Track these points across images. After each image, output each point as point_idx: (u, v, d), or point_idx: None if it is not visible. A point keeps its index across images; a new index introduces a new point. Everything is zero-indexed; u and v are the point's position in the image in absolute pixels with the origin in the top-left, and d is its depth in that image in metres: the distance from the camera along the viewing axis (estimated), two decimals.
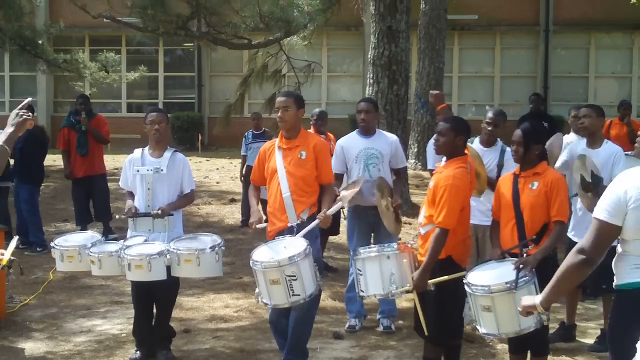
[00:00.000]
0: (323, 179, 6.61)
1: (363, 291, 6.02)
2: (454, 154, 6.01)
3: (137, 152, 7.07)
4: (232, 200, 15.67)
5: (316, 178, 6.56)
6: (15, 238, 5.39)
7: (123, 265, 6.52)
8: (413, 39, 16.94)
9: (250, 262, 6.14)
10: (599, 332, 7.35)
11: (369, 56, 12.98)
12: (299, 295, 5.97)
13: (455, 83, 27.55)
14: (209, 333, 7.74)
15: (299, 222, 6.44)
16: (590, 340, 7.36)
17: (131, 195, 7.05)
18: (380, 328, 7.77)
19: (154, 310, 7.03)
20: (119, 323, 8.05)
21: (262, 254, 6.15)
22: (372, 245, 6.42)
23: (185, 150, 22.63)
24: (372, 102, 8.19)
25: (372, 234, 7.91)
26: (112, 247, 6.70)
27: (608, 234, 3.97)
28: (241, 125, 21.16)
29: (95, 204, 12.29)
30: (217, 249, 6.60)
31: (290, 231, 6.41)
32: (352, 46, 27.83)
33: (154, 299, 6.94)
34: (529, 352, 5.99)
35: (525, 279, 5.35)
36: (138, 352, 6.92)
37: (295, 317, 6.38)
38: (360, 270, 6.01)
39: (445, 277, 5.78)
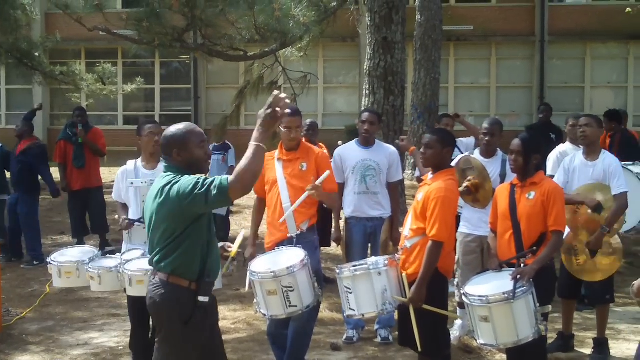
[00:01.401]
0: (327, 189, 6.62)
1: (353, 310, 5.87)
2: (442, 166, 5.97)
3: (130, 164, 7.02)
4: (229, 212, 15.64)
5: None
6: (243, 231, 5.61)
7: (122, 280, 6.47)
8: (409, 50, 16.96)
9: (248, 272, 6.12)
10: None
11: (365, 67, 12.99)
12: (295, 306, 5.92)
13: (452, 94, 27.58)
14: None
15: (298, 232, 6.46)
16: (588, 350, 7.35)
17: (124, 207, 7.01)
18: (378, 339, 7.75)
19: (151, 323, 7.00)
20: (115, 336, 8.02)
21: (260, 265, 6.12)
22: (356, 263, 6.27)
23: None
24: (377, 113, 8.25)
25: (370, 245, 7.90)
26: (111, 262, 6.65)
27: None
28: (237, 136, 21.15)
29: (92, 216, 12.28)
30: None
31: (290, 242, 6.42)
32: (348, 57, 27.87)
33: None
34: None
35: (522, 289, 5.35)
36: None
37: (295, 328, 6.39)
38: (349, 289, 5.86)
39: (439, 310, 5.74)
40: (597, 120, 7.46)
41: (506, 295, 5.31)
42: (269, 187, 6.64)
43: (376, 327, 7.84)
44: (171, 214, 4.60)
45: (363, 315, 6.01)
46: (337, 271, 6.05)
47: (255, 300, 6.15)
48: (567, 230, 6.94)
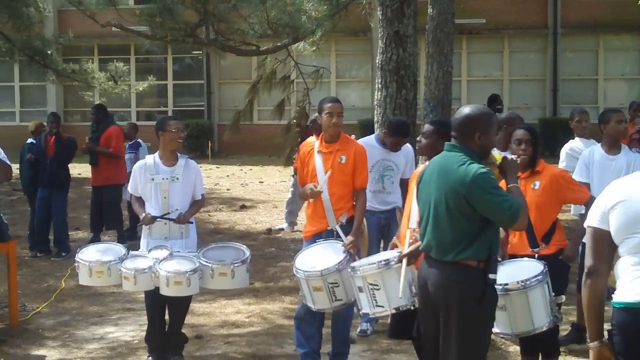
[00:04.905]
0: (357, 185, 6.66)
1: (382, 307, 5.53)
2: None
3: (149, 158, 7.03)
4: (243, 207, 15.70)
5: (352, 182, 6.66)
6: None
7: (156, 280, 6.48)
8: (421, 43, 16.94)
9: (294, 269, 6.25)
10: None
11: (377, 61, 12.98)
12: (341, 300, 6.08)
13: (464, 87, 27.56)
14: (221, 339, 7.75)
15: (338, 225, 6.54)
16: None
17: (140, 201, 7.03)
18: None
19: (167, 317, 7.05)
20: (131, 330, 8.07)
21: (305, 262, 6.25)
22: (371, 259, 5.96)
23: (195, 158, 22.69)
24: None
25: (382, 240, 7.89)
26: (146, 262, 6.59)
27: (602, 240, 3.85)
28: (251, 132, 21.22)
29: (104, 213, 12.37)
30: (248, 260, 6.73)
31: (330, 234, 6.53)
32: (361, 51, 27.88)
33: (168, 306, 6.95)
34: (540, 353, 5.98)
35: (538, 278, 5.33)
36: (150, 358, 6.93)
37: (337, 316, 6.60)
38: (376, 285, 5.53)
39: None
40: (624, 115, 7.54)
41: (523, 284, 5.29)
42: (309, 179, 6.70)
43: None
44: (465, 207, 4.56)
45: (398, 309, 5.53)
46: (352, 270, 5.73)
47: (300, 293, 6.32)
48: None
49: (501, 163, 4.81)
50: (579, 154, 8.37)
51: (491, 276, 4.65)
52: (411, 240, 5.77)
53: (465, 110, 4.78)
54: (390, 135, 7.66)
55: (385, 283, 5.49)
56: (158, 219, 6.81)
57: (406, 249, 5.47)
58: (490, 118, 4.79)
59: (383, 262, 5.53)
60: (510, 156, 4.84)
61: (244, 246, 7.00)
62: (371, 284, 5.55)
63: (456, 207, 4.58)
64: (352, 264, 5.87)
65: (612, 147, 7.29)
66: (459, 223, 4.60)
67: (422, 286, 4.87)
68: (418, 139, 6.21)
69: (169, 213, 6.82)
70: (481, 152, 4.73)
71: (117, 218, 12.36)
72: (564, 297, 5.60)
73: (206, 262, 6.59)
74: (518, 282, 5.28)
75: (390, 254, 5.80)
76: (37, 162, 11.74)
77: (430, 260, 4.79)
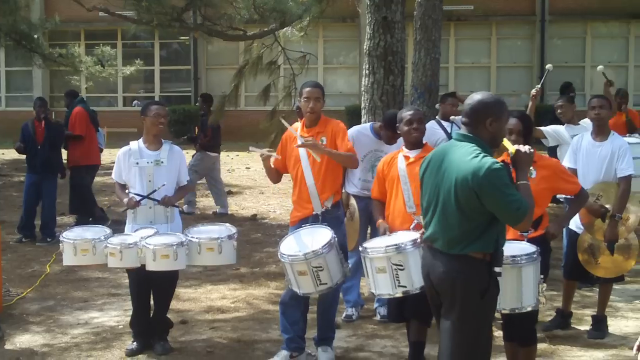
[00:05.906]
0: (343, 150, 6.58)
1: (405, 286, 5.64)
2: (422, 142, 6.31)
3: (134, 144, 6.99)
4: (229, 193, 15.66)
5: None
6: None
7: (142, 257, 6.46)
8: (409, 29, 16.89)
9: (278, 254, 6.27)
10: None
11: (365, 47, 12.95)
12: (326, 284, 6.12)
13: (452, 74, 27.54)
14: (206, 324, 7.74)
15: (323, 209, 6.52)
16: (585, 327, 7.38)
17: (123, 188, 7.01)
18: (377, 317, 7.77)
19: (152, 302, 7.04)
20: (116, 315, 8.05)
21: (289, 247, 6.26)
22: (389, 240, 5.93)
23: (182, 144, 22.61)
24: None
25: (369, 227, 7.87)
26: (132, 238, 6.59)
27: None
28: (237, 117, 21.17)
29: (70, 196, 12.38)
30: (234, 237, 6.76)
31: (315, 219, 6.51)
32: (348, 37, 27.81)
33: (153, 291, 6.94)
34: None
35: (533, 256, 5.33)
36: (135, 343, 6.92)
37: (322, 301, 6.59)
38: (400, 265, 5.64)
39: None
40: (608, 101, 7.50)
41: (516, 259, 5.28)
42: (292, 164, 6.67)
43: (375, 305, 7.87)
44: (474, 200, 4.46)
45: (422, 289, 5.50)
46: (371, 249, 5.80)
47: (286, 278, 6.34)
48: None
49: (514, 155, 4.75)
50: (557, 134, 8.61)
51: (497, 269, 4.61)
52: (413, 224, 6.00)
53: (477, 96, 4.71)
54: (386, 129, 7.57)
55: (409, 263, 5.59)
56: (142, 200, 6.79)
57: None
58: (503, 105, 4.70)
59: (408, 243, 5.63)
60: (524, 148, 4.75)
61: (230, 225, 7.02)
62: (395, 264, 5.64)
63: (465, 201, 4.50)
64: (366, 245, 5.89)
65: (599, 134, 7.30)
66: (467, 217, 4.53)
67: (426, 276, 4.85)
68: (415, 125, 6.31)
69: (154, 191, 6.80)
70: (492, 141, 4.66)
71: (81, 202, 12.26)
72: (545, 285, 5.55)
73: (192, 237, 6.62)
74: (508, 257, 5.22)
75: (410, 235, 5.81)
76: (25, 148, 11.69)
77: (434, 251, 4.74)
